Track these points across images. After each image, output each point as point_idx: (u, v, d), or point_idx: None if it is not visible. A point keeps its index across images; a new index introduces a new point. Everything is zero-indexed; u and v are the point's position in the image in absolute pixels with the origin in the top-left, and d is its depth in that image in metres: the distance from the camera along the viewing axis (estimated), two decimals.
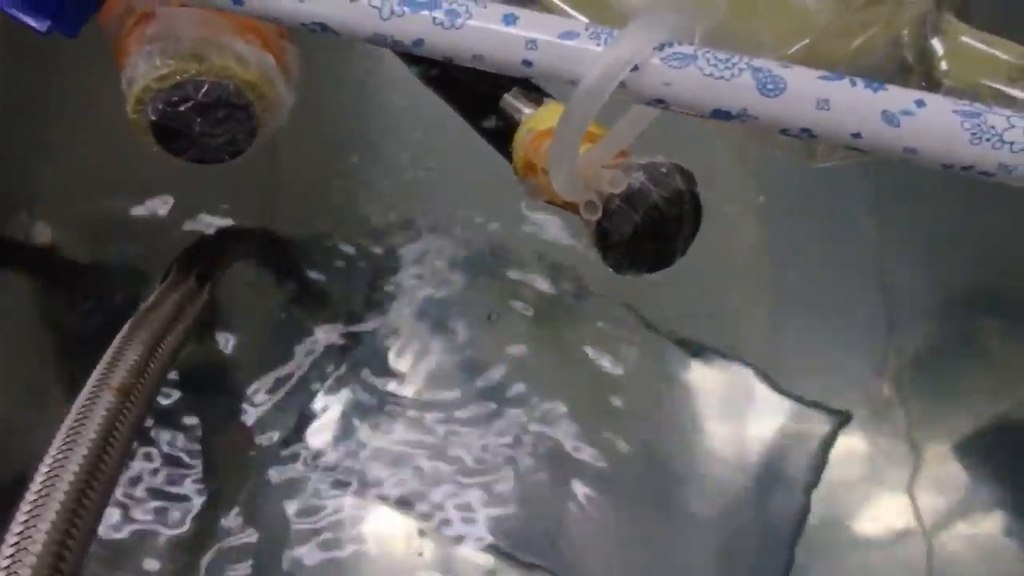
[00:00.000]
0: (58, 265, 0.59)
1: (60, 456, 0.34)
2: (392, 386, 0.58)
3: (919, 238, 0.63)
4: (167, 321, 0.45)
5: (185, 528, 0.54)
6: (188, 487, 0.54)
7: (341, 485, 0.57)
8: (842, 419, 0.59)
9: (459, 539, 0.55)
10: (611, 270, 0.43)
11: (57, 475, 0.34)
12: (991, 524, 0.59)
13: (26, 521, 0.32)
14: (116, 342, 0.42)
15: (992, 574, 0.57)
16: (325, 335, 0.59)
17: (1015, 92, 0.42)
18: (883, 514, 0.59)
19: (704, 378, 0.59)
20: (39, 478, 0.34)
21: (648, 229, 0.39)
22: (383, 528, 0.57)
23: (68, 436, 0.35)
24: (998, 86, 0.42)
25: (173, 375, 0.55)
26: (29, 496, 0.33)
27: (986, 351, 0.62)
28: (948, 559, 0.57)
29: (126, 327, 0.43)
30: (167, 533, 0.54)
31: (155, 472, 0.55)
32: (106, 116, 0.47)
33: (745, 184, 0.63)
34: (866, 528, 0.58)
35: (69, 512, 0.32)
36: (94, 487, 0.33)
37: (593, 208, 0.38)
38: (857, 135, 0.28)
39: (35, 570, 0.31)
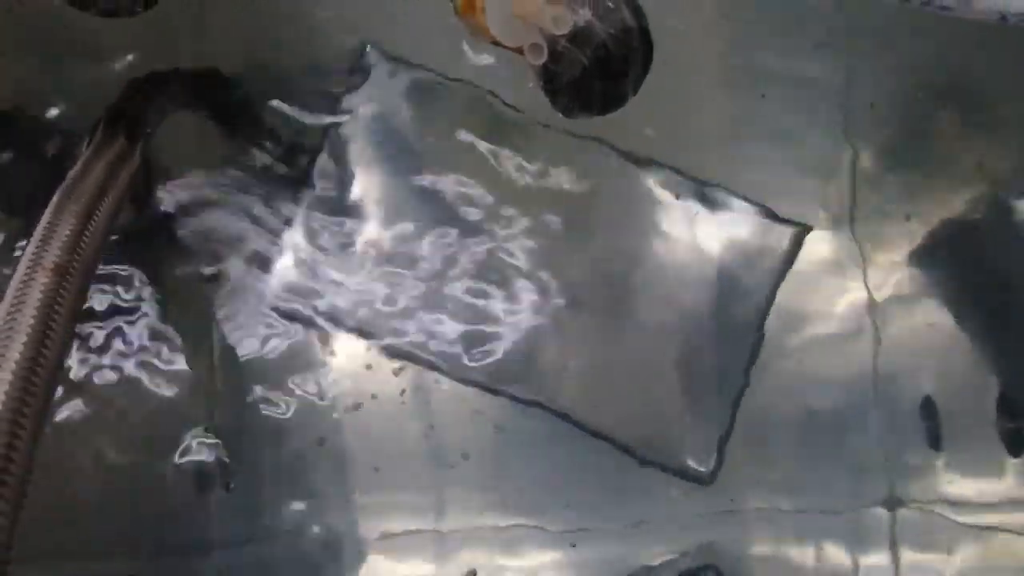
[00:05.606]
0: None
1: None
2: (350, 222, 0.57)
3: (882, 51, 0.61)
4: (98, 189, 0.42)
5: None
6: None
7: (306, 321, 0.56)
8: (801, 230, 0.60)
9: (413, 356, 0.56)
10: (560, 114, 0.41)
11: None
12: (937, 316, 0.61)
13: None
14: (46, 217, 0.39)
15: (933, 355, 0.60)
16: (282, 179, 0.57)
17: None
18: (837, 314, 0.61)
19: (665, 196, 0.59)
20: None
21: (596, 69, 0.37)
22: (353, 359, 0.57)
23: (4, 325, 0.33)
24: None
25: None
26: None
27: (939, 154, 0.62)
28: (894, 351, 0.60)
29: (55, 199, 0.41)
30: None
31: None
32: None
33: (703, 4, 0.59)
34: (821, 328, 0.60)
35: (14, 407, 0.31)
36: (36, 380, 0.31)
37: (538, 51, 0.36)
38: None
39: None
